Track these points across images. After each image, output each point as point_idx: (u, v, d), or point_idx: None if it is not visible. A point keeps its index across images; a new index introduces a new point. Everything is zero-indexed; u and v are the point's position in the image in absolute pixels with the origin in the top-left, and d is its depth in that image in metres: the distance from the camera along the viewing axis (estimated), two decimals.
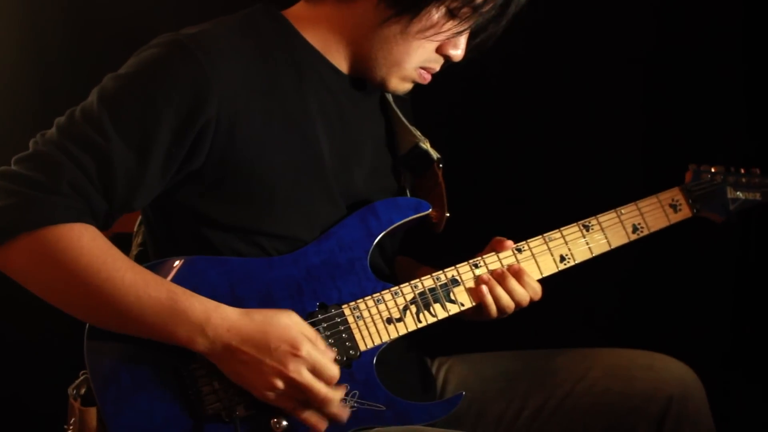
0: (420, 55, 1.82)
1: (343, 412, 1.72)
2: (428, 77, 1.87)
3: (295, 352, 1.66)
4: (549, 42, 2.68)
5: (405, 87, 1.88)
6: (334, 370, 1.69)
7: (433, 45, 1.81)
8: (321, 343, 1.71)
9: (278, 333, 1.66)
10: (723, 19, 2.64)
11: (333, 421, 1.72)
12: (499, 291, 1.87)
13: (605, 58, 2.68)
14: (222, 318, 1.65)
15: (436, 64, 1.86)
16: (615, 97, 2.70)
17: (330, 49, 1.85)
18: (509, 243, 1.92)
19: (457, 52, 1.84)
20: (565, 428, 1.95)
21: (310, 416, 1.70)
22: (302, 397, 1.68)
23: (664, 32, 2.68)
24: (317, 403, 1.69)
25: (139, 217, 1.97)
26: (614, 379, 1.95)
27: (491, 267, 1.90)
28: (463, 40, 1.84)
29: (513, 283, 1.87)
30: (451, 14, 1.77)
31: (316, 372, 1.67)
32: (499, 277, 1.88)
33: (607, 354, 2.02)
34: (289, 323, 1.68)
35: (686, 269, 2.67)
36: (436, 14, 1.76)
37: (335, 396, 1.70)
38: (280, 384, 1.66)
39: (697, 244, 2.11)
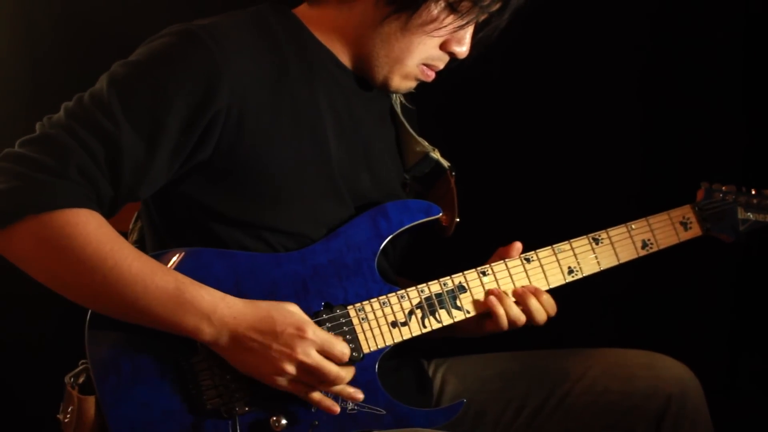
0: (422, 51, 1.80)
1: (357, 392, 1.71)
2: (432, 74, 1.86)
3: (301, 334, 1.65)
4: (562, 50, 2.67)
5: (407, 85, 1.86)
6: (342, 347, 1.68)
7: (436, 41, 1.80)
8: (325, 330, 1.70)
9: (283, 318, 1.65)
10: (725, 26, 2.65)
11: (347, 401, 1.72)
12: (508, 302, 1.85)
13: (622, 66, 2.67)
14: (229, 307, 1.64)
15: (440, 61, 1.85)
16: (627, 108, 2.70)
17: (336, 49, 1.84)
18: (518, 246, 1.91)
19: (462, 48, 1.83)
20: (564, 427, 1.95)
21: (323, 399, 1.70)
22: (313, 380, 1.67)
23: (674, 40, 2.68)
24: (329, 383, 1.68)
25: (135, 215, 1.94)
26: (613, 379, 1.95)
27: (499, 275, 1.88)
28: (467, 37, 1.82)
29: (533, 300, 1.86)
30: (451, 8, 1.75)
31: (324, 351, 1.67)
32: (518, 295, 1.87)
33: (607, 353, 2.02)
34: (294, 310, 1.68)
35: (686, 269, 2.66)
36: (436, 9, 1.75)
37: (347, 375, 1.69)
38: (290, 368, 1.64)
39: (698, 244, 2.10)
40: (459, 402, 1.84)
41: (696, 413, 1.92)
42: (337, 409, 1.70)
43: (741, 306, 2.75)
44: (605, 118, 2.69)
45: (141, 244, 1.88)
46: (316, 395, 1.69)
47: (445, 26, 1.77)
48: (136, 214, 1.94)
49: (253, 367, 1.66)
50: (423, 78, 1.85)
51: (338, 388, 1.70)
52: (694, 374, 1.97)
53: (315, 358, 1.65)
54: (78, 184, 1.59)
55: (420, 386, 2.00)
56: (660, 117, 2.72)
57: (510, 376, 2.03)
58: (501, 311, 1.84)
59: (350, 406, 1.74)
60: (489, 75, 2.24)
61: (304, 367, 1.65)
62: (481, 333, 1.92)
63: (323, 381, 1.67)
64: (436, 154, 1.96)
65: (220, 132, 1.68)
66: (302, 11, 1.85)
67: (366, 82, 1.88)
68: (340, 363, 1.69)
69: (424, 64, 1.83)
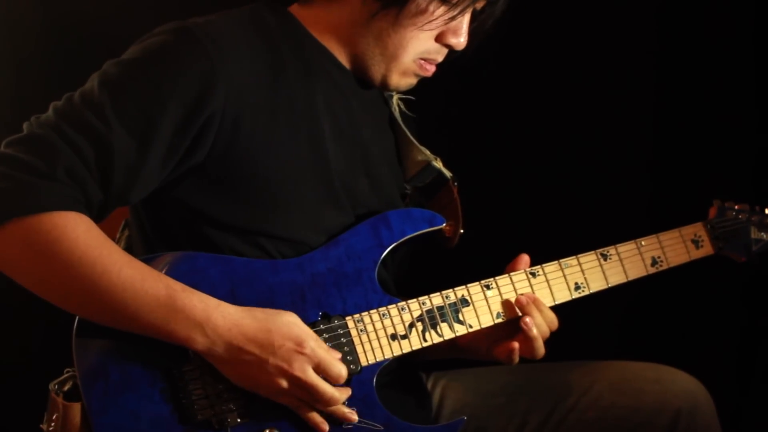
0: (416, 46, 1.76)
1: (351, 413, 1.67)
2: (431, 69, 1.82)
3: (299, 350, 1.60)
4: (570, 59, 2.66)
5: (407, 82, 1.83)
6: (339, 369, 1.64)
7: (430, 34, 1.76)
8: (324, 344, 1.66)
9: (282, 331, 1.61)
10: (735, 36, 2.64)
11: (339, 421, 1.67)
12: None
13: (633, 77, 2.65)
14: (223, 316, 1.59)
15: (438, 54, 1.81)
16: (639, 122, 2.68)
17: (333, 48, 1.80)
18: (525, 259, 1.87)
19: (459, 39, 1.79)
20: None
21: (315, 416, 1.66)
22: (307, 396, 1.63)
23: (686, 50, 2.67)
24: (323, 403, 1.64)
25: (122, 223, 1.89)
26: (620, 393, 1.90)
27: (503, 289, 1.84)
28: (463, 27, 1.78)
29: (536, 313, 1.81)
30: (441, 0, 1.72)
31: (321, 370, 1.62)
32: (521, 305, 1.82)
33: (613, 367, 1.98)
34: (292, 321, 1.63)
35: (695, 279, 2.64)
36: (425, 1, 1.71)
37: (341, 396, 1.65)
38: (284, 383, 1.60)
39: (708, 257, 2.08)
40: (459, 420, 1.79)
41: (707, 428, 1.88)
42: (326, 428, 1.66)
43: (752, 317, 2.72)
44: (616, 131, 2.67)
45: (129, 254, 1.83)
46: (309, 411, 1.65)
47: (436, 18, 1.73)
48: (123, 223, 1.88)
49: (248, 379, 1.61)
50: (422, 73, 1.82)
51: (332, 408, 1.65)
52: (704, 388, 1.92)
53: (311, 376, 1.61)
54: (66, 185, 1.54)
55: (418, 401, 1.95)
56: (672, 133, 2.70)
57: (512, 390, 1.98)
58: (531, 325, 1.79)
59: None
60: (492, 82, 2.21)
61: (299, 384, 1.61)
62: (489, 357, 1.87)
63: (317, 400, 1.63)
64: (438, 164, 1.92)
65: (215, 134, 1.64)
66: (296, 10, 1.82)
67: (364, 83, 1.84)
68: (336, 384, 1.64)
69: (422, 59, 1.79)
